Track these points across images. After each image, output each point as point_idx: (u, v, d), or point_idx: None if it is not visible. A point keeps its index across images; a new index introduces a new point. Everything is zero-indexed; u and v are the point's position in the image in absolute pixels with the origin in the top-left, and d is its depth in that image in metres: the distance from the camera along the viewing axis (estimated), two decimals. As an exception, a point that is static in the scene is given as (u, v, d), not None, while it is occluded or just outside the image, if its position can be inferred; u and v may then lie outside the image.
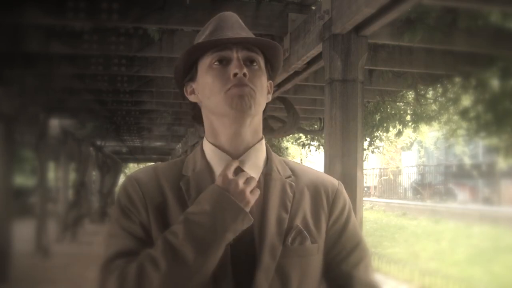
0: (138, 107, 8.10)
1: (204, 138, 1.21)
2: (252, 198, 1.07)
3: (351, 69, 2.91)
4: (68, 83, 6.27)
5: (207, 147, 1.19)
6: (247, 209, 1.06)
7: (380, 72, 5.53)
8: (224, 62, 1.13)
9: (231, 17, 1.22)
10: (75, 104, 7.65)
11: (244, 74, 1.11)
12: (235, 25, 1.20)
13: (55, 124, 9.85)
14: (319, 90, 6.05)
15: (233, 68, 1.11)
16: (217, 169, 1.15)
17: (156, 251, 1.03)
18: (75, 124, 10.60)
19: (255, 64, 1.15)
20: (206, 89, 1.15)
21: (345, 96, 2.89)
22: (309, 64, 3.82)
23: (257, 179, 1.13)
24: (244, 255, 1.09)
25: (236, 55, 1.13)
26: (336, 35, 2.94)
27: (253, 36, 1.19)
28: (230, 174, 1.08)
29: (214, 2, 3.76)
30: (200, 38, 1.21)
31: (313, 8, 3.82)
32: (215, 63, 1.14)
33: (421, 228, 13.47)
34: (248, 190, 1.07)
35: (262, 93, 1.16)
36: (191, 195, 1.12)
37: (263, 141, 1.21)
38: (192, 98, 1.21)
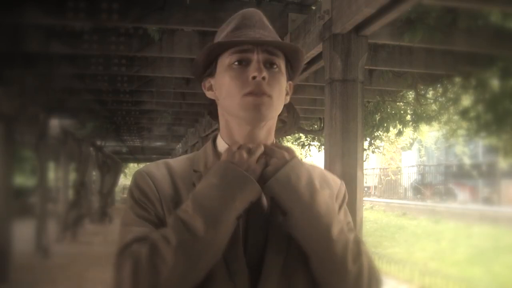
0: (138, 107, 8.11)
1: (219, 135, 1.21)
2: (258, 167, 1.07)
3: (351, 69, 2.91)
4: (68, 83, 6.27)
5: (221, 144, 1.19)
6: (254, 178, 1.05)
7: (380, 72, 5.53)
8: (243, 63, 1.11)
9: (255, 15, 1.19)
10: (75, 104, 7.65)
11: (263, 78, 1.09)
12: (257, 24, 1.17)
13: (55, 124, 9.85)
14: (319, 90, 6.05)
15: (252, 71, 1.10)
16: None
17: (167, 229, 1.03)
18: (75, 124, 10.60)
19: (275, 66, 1.13)
20: (224, 89, 1.14)
21: (345, 96, 2.89)
22: (309, 64, 3.82)
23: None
24: (257, 249, 1.10)
25: (256, 57, 1.11)
26: (336, 35, 2.94)
27: (275, 35, 1.18)
28: (234, 148, 1.08)
29: (214, 2, 3.76)
30: (222, 34, 1.18)
31: (313, 8, 3.82)
32: (235, 64, 1.12)
33: (421, 228, 13.47)
34: (252, 159, 1.07)
35: (280, 97, 1.15)
36: None
37: (274, 142, 1.21)
38: (209, 94, 1.21)
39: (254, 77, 1.09)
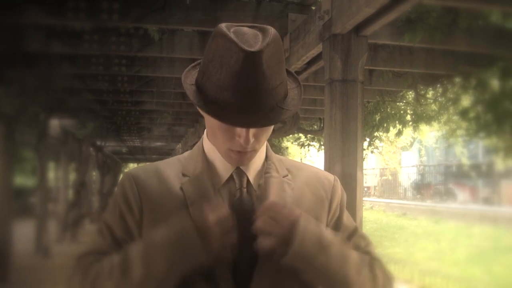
0: (138, 107, 8.10)
1: (205, 136, 1.19)
2: (224, 240, 1.02)
3: (351, 69, 2.91)
4: (68, 83, 6.27)
5: (209, 147, 1.17)
6: (214, 251, 1.03)
7: (380, 72, 5.53)
8: None
9: (259, 66, 1.00)
10: (75, 104, 7.65)
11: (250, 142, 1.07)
12: (260, 83, 1.01)
13: (55, 124, 9.84)
14: (319, 90, 6.05)
15: (238, 134, 1.05)
16: (220, 171, 1.15)
17: (116, 258, 1.06)
18: (76, 124, 10.59)
19: None
20: (209, 128, 1.12)
21: (345, 96, 2.90)
22: (309, 64, 3.82)
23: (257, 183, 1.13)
24: (247, 255, 1.09)
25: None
26: (336, 35, 2.94)
27: (279, 76, 1.05)
28: (209, 212, 1.03)
29: (214, 2, 3.76)
30: (214, 75, 1.04)
31: (313, 8, 3.82)
32: None
33: (421, 228, 13.45)
34: (220, 232, 1.02)
35: (266, 138, 1.12)
36: (190, 197, 1.11)
37: (265, 144, 1.19)
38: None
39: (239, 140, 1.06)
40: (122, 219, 1.12)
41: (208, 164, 1.15)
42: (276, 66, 1.03)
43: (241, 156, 1.09)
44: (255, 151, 1.10)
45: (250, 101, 1.00)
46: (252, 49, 0.99)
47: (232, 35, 1.01)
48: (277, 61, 1.03)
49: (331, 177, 1.25)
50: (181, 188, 1.12)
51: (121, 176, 1.20)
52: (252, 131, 1.05)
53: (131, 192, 1.12)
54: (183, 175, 1.14)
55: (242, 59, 0.99)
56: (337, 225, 1.21)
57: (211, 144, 1.16)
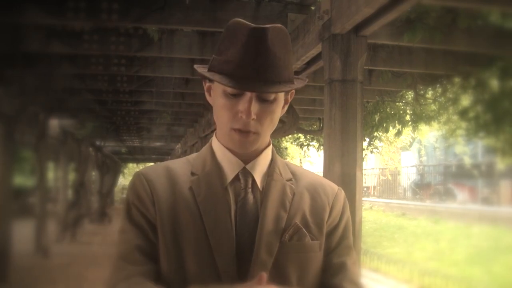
0: (137, 107, 8.11)
1: (214, 136, 1.22)
2: None
3: (351, 69, 2.91)
4: (68, 83, 6.28)
5: (217, 146, 1.19)
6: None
7: (379, 72, 5.53)
8: (237, 94, 1.09)
9: (262, 38, 1.07)
10: (75, 104, 7.66)
11: (252, 118, 1.08)
12: (262, 53, 1.06)
13: (55, 124, 9.86)
14: (318, 90, 6.05)
15: (241, 110, 1.08)
16: (227, 170, 1.17)
17: None
18: (75, 124, 10.60)
19: (270, 98, 1.10)
20: (215, 110, 1.14)
21: (345, 96, 2.90)
22: (309, 64, 3.82)
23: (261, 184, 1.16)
24: (247, 252, 1.11)
25: (250, 94, 1.08)
26: (335, 35, 2.94)
27: (282, 60, 1.09)
28: None
29: (214, 2, 3.76)
30: (227, 48, 1.10)
31: (313, 8, 3.83)
32: (229, 92, 1.10)
33: (420, 228, 13.46)
34: None
35: (271, 125, 1.13)
36: (200, 194, 1.14)
37: (271, 146, 1.22)
38: (208, 97, 1.19)
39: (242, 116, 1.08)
40: (141, 215, 1.14)
41: (217, 164, 1.18)
42: (282, 50, 1.09)
43: (243, 137, 1.10)
44: (257, 134, 1.11)
45: (254, 72, 1.06)
46: (259, 26, 1.07)
47: (242, 20, 1.10)
48: (282, 46, 1.09)
49: (335, 186, 1.26)
50: (191, 186, 1.14)
51: (132, 176, 1.21)
52: (254, 108, 1.07)
53: (143, 190, 1.14)
54: (192, 174, 1.17)
55: (247, 33, 1.07)
56: (331, 232, 1.20)
57: (220, 143, 1.18)
